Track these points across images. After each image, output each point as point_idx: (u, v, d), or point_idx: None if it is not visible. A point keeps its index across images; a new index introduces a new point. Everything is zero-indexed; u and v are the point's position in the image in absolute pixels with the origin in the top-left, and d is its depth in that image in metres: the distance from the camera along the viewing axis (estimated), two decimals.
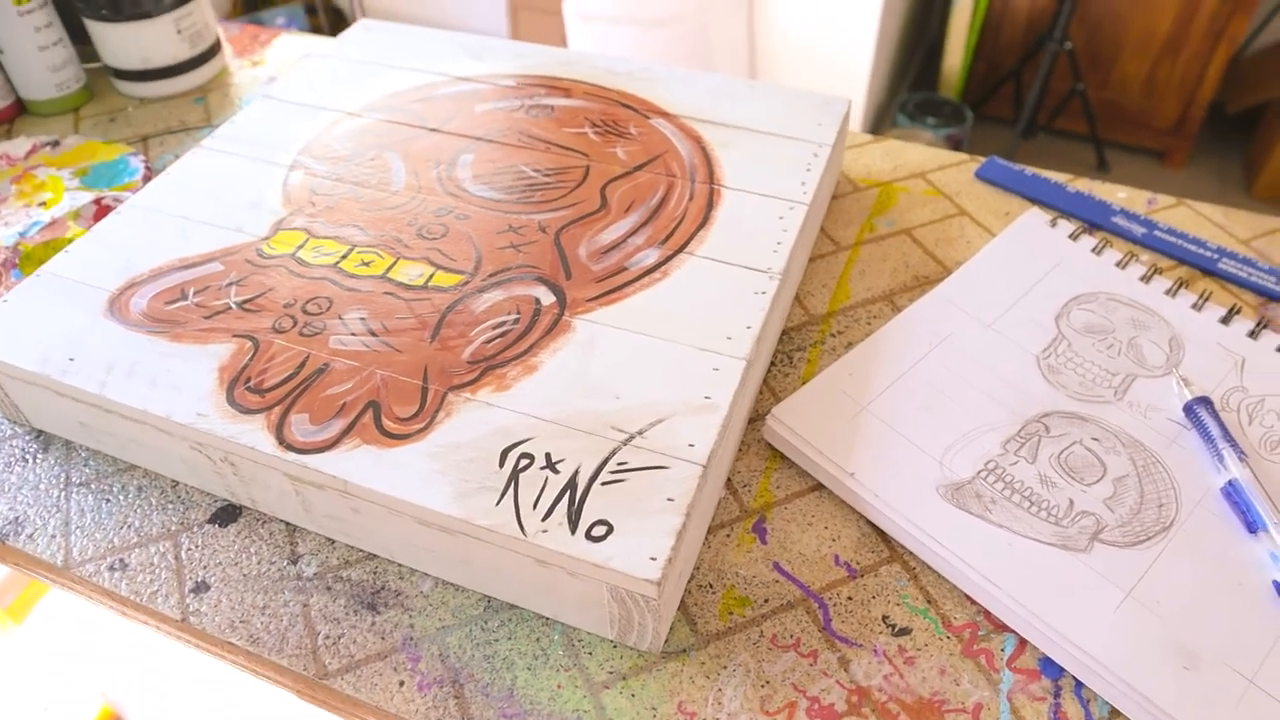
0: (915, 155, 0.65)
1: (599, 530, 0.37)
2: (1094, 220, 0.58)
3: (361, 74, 0.63)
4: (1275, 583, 0.40)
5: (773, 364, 0.51)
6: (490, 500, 0.38)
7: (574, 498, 0.38)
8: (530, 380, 0.42)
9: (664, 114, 0.58)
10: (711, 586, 0.41)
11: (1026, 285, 0.52)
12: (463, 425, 0.40)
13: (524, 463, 0.39)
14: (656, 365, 0.43)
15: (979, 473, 0.44)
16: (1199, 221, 0.59)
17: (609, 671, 0.39)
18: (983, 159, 0.64)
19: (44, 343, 0.45)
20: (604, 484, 0.38)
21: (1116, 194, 0.61)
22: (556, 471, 0.39)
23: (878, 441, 0.45)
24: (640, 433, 0.40)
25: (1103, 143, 2.28)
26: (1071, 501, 0.42)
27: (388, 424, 0.40)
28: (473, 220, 0.50)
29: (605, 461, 0.39)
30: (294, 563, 0.43)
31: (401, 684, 0.39)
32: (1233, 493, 0.43)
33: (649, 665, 0.39)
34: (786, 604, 0.41)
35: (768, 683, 0.38)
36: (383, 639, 0.40)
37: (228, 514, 0.45)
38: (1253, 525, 0.41)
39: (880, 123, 2.15)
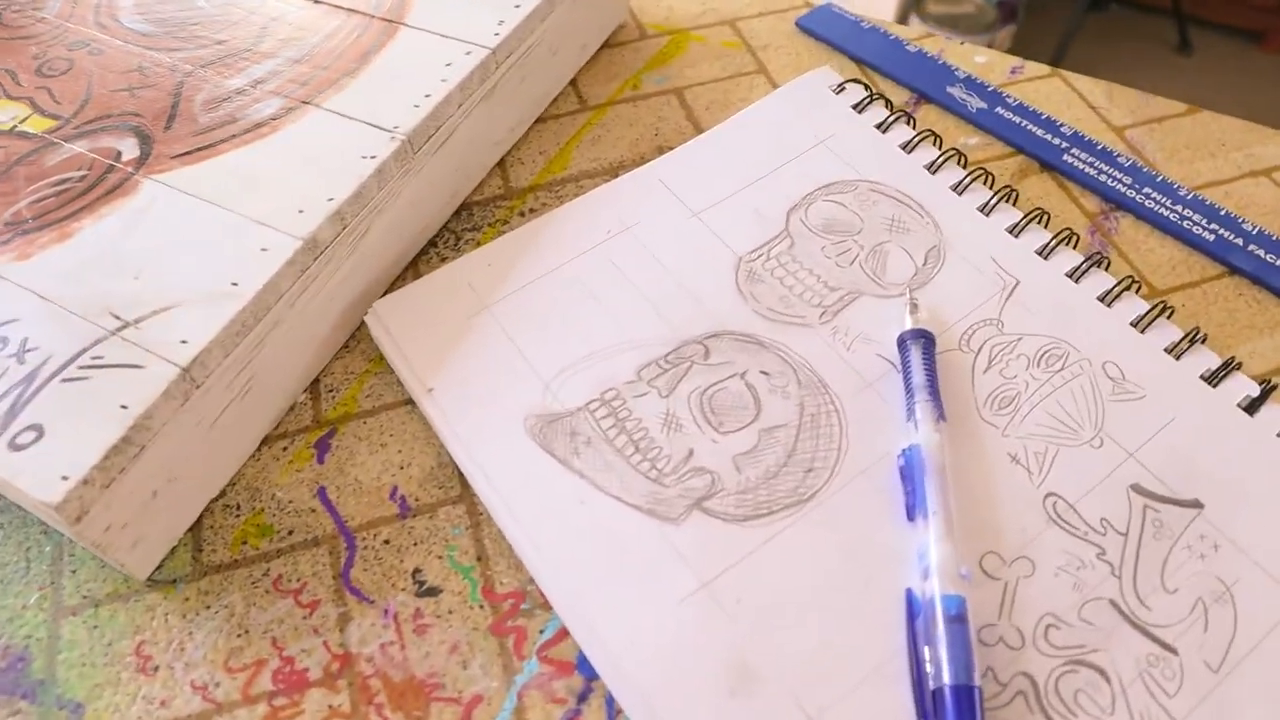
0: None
1: (26, 436, 0.30)
2: (925, 90, 0.45)
3: None
4: (909, 591, 0.30)
5: (433, 245, 0.42)
6: None
7: (22, 394, 0.31)
8: (58, 250, 0.35)
9: None
10: (238, 509, 0.35)
11: (768, 166, 0.41)
12: None
13: None
14: (202, 240, 0.35)
15: (589, 403, 0.34)
16: (1070, 100, 0.45)
17: (84, 595, 0.33)
18: (818, 3, 0.50)
19: None
20: (65, 381, 0.32)
21: (974, 58, 0.47)
22: (23, 361, 0.32)
23: (484, 352, 0.36)
24: (136, 322, 0.33)
25: (1187, 19, 1.94)
26: (691, 452, 0.33)
27: None
28: (105, 57, 0.43)
29: (79, 355, 0.32)
30: None
31: None
32: (906, 464, 0.32)
33: (129, 594, 0.33)
34: (311, 539, 0.34)
35: (245, 632, 0.32)
36: None
37: None
38: (911, 510, 0.31)
39: None
